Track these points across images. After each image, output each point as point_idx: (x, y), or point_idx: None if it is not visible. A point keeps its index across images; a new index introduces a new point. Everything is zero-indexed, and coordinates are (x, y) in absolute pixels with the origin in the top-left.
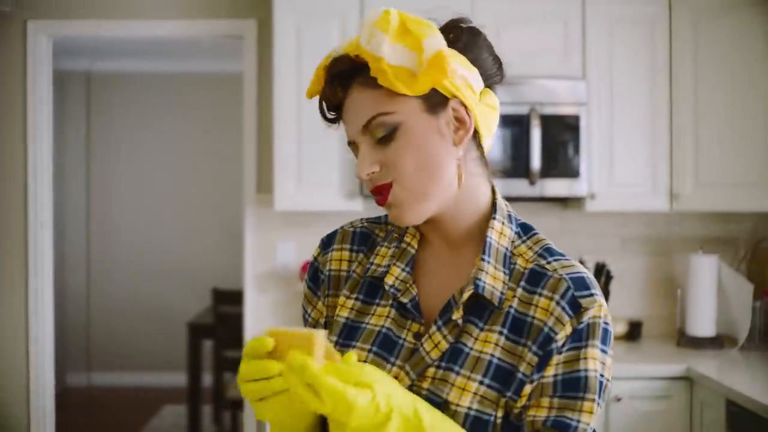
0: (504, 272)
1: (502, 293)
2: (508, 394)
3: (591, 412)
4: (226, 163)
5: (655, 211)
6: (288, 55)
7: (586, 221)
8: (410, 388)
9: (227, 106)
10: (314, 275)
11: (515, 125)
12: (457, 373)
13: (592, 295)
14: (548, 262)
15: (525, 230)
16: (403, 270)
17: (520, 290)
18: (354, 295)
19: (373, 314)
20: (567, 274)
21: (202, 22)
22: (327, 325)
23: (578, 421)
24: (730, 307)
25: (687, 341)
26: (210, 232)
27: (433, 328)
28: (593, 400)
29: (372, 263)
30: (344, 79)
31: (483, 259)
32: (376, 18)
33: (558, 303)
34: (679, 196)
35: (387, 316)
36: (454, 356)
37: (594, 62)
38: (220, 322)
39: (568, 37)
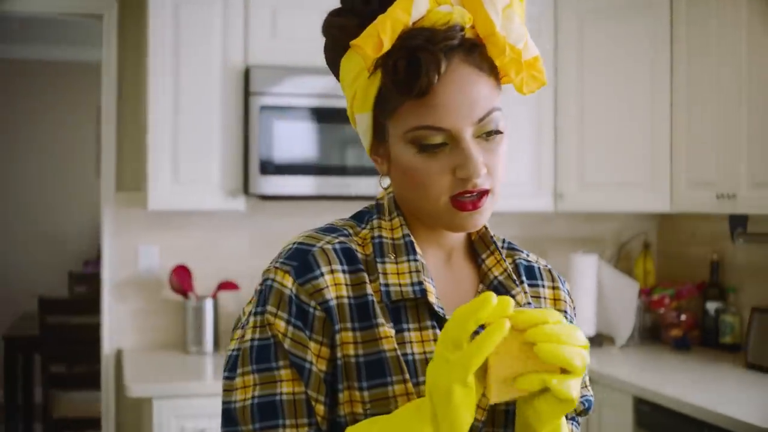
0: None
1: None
2: None
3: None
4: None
5: (540, 211)
6: (163, 37)
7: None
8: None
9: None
10: (301, 314)
11: None
12: None
13: (564, 281)
14: (527, 255)
15: None
16: (433, 286)
17: (526, 286)
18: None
19: (411, 342)
20: (545, 263)
21: None
22: (342, 368)
23: (592, 395)
24: (610, 307)
25: None
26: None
27: None
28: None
29: (387, 284)
30: (448, 50)
31: (504, 260)
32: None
33: (561, 290)
34: (563, 195)
35: (434, 340)
36: None
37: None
38: (47, 334)
39: None
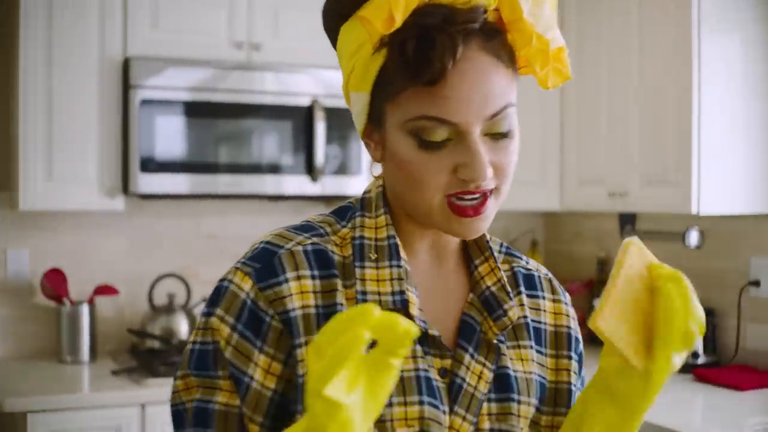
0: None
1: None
2: (561, 409)
3: None
4: None
5: None
6: (36, 29)
7: None
8: None
9: None
10: (253, 321)
11: (295, 117)
12: (519, 402)
13: (564, 291)
14: (526, 262)
15: None
16: (416, 296)
17: (524, 297)
18: None
19: None
20: (545, 272)
21: None
22: (304, 387)
23: None
24: None
25: None
26: None
27: (467, 357)
28: None
29: (365, 292)
30: (467, 34)
31: (499, 268)
32: None
33: (563, 303)
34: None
35: (413, 356)
36: (503, 384)
37: None
38: None
39: None
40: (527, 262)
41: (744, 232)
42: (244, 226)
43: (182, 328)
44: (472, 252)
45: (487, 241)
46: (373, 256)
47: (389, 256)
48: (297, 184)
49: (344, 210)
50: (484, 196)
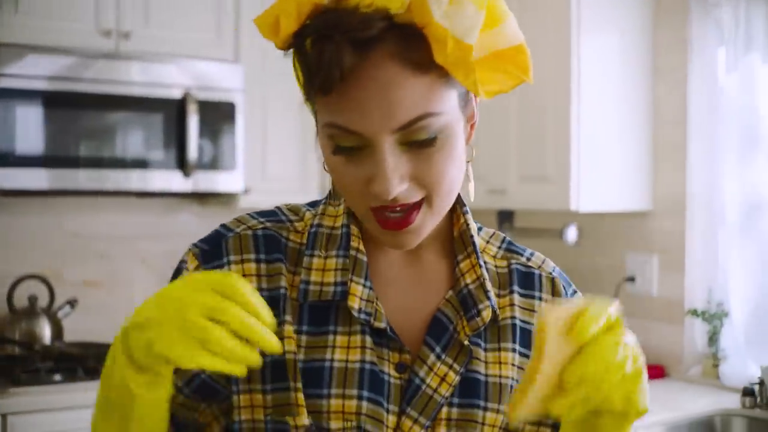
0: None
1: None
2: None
3: None
4: None
5: None
6: None
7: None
8: None
9: None
10: None
11: (167, 110)
12: (485, 409)
13: (575, 291)
14: (527, 258)
15: None
16: (364, 286)
17: (516, 296)
18: (294, 326)
19: (334, 346)
20: (552, 269)
21: None
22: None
23: None
24: None
25: None
26: None
27: (432, 356)
28: None
29: (308, 281)
30: (362, 42)
31: (481, 266)
32: None
33: None
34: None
35: (362, 347)
36: (470, 388)
37: (249, 45)
38: None
39: (220, 15)
40: (529, 258)
41: (620, 229)
42: (111, 224)
43: (45, 332)
44: (457, 247)
45: (471, 236)
46: (322, 249)
47: (338, 246)
48: (168, 179)
49: (319, 201)
50: (410, 209)
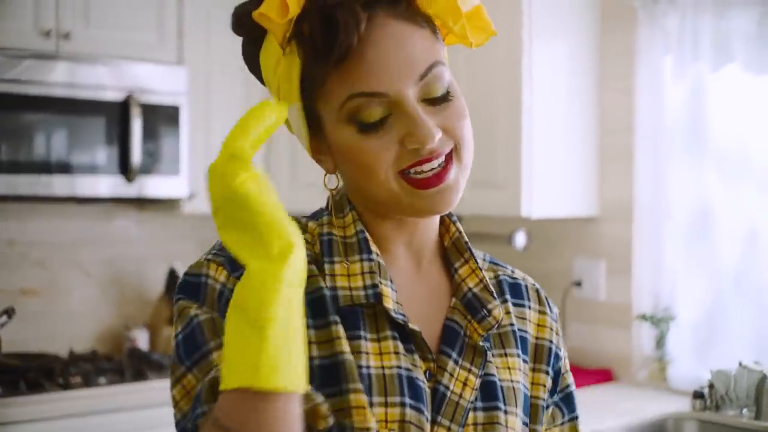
0: None
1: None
2: (536, 426)
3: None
4: None
5: None
6: None
7: (179, 224)
8: None
9: None
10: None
11: (109, 113)
12: (506, 412)
13: (553, 303)
14: (512, 271)
15: None
16: (392, 289)
17: (510, 305)
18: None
19: (368, 352)
20: (533, 282)
21: None
22: None
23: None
24: None
25: None
26: None
27: (450, 363)
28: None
29: (335, 287)
30: (368, 5)
31: (481, 269)
32: None
33: (549, 316)
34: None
35: (395, 352)
36: (488, 392)
37: (192, 48)
38: None
39: (162, 16)
40: (513, 271)
41: (568, 234)
42: (48, 231)
43: None
44: (452, 255)
45: (466, 242)
46: (342, 256)
47: (359, 251)
48: (110, 184)
49: (314, 214)
50: (445, 161)
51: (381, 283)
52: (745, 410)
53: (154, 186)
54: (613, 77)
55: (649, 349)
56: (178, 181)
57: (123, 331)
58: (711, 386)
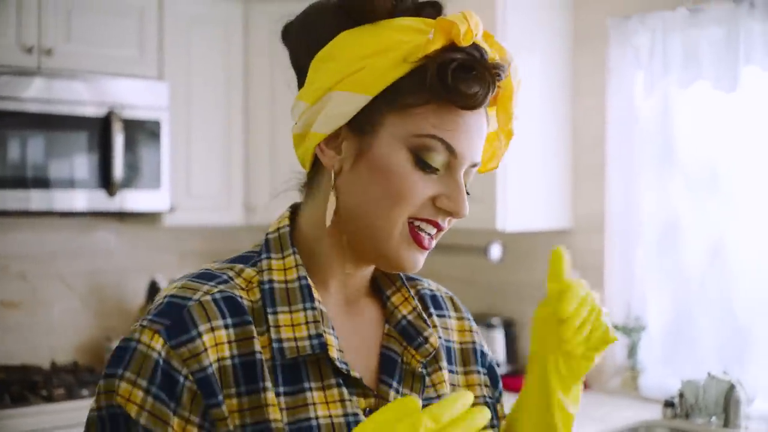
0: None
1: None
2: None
3: None
4: None
5: (231, 225)
6: None
7: (160, 236)
8: None
9: None
10: (167, 382)
11: (90, 128)
12: None
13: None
14: (428, 284)
15: None
16: (334, 336)
17: (435, 318)
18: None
19: (314, 403)
20: (446, 291)
21: None
22: None
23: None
24: None
25: None
26: None
27: (391, 393)
28: None
29: (280, 339)
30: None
31: (413, 297)
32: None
33: (467, 320)
34: (255, 208)
35: (341, 400)
36: None
37: (173, 63)
38: None
39: (143, 32)
40: (428, 284)
41: (541, 246)
42: (29, 244)
43: None
44: (382, 283)
45: (402, 278)
46: (285, 304)
47: (302, 299)
48: (92, 199)
49: (244, 257)
50: (437, 233)
51: (325, 332)
52: (713, 418)
53: (135, 200)
54: (585, 93)
55: (621, 358)
56: (159, 195)
57: (104, 342)
58: (681, 395)
